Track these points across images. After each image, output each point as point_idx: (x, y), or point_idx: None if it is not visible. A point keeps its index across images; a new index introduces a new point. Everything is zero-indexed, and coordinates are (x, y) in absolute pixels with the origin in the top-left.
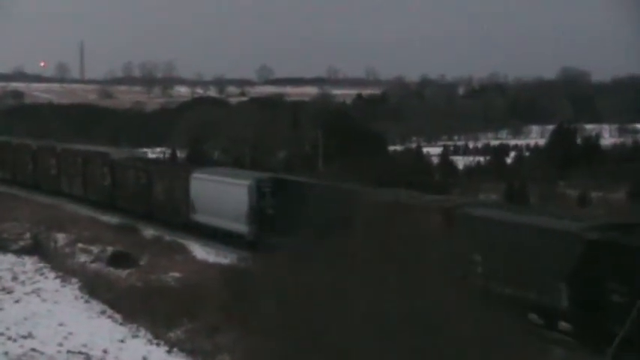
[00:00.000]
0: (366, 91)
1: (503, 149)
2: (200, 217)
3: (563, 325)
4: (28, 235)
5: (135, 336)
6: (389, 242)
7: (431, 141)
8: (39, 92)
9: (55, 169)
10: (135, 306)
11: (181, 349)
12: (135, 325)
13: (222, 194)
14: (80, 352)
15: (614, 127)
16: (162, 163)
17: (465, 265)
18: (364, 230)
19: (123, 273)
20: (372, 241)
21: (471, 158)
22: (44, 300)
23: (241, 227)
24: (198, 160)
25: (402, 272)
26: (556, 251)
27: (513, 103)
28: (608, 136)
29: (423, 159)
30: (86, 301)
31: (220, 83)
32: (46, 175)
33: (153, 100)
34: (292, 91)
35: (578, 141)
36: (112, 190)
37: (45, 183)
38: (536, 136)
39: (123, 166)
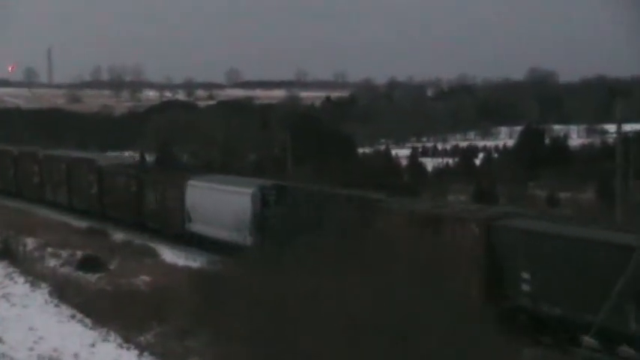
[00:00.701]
0: (335, 94)
1: (472, 151)
2: (196, 227)
3: (626, 350)
4: None
5: (105, 340)
6: (417, 256)
7: (400, 143)
8: (7, 97)
9: (38, 177)
10: (105, 310)
11: (152, 353)
12: (105, 329)
13: (222, 203)
14: (51, 357)
15: (582, 127)
16: (154, 169)
17: (508, 283)
18: (387, 242)
19: (92, 277)
20: (397, 255)
21: (439, 160)
22: (13, 304)
23: (243, 238)
24: (167, 163)
25: (434, 291)
26: (621, 267)
27: (482, 104)
28: (576, 137)
29: (392, 161)
30: (56, 306)
31: (189, 87)
32: (29, 182)
33: (121, 104)
34: (261, 94)
35: (547, 142)
36: (99, 199)
37: (27, 191)
38: (504, 138)
39: (111, 173)
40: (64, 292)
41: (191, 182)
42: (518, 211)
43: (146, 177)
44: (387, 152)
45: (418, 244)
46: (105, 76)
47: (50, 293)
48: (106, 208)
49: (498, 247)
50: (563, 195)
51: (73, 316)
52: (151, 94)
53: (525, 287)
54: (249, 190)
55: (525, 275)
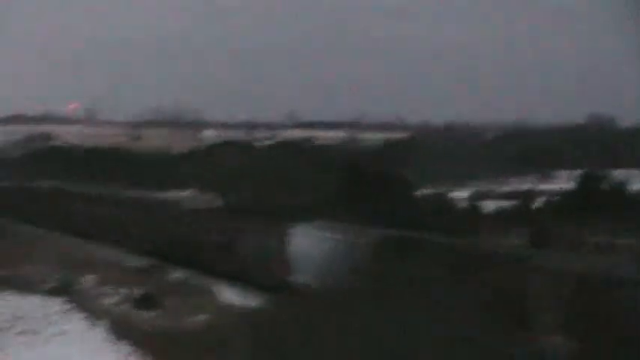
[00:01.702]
0: (394, 136)
1: (531, 194)
2: (302, 280)
3: None
4: (56, 275)
5: None
6: None
7: (458, 185)
8: (67, 135)
9: (115, 221)
10: (161, 348)
11: None
12: None
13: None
14: None
15: None
16: (248, 213)
17: None
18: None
19: (149, 315)
20: None
21: (497, 202)
22: (71, 342)
23: None
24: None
25: None
26: None
27: (542, 148)
28: (638, 182)
29: (450, 203)
30: (113, 344)
31: (249, 127)
32: (104, 226)
33: (181, 143)
34: (320, 135)
35: (606, 187)
36: (184, 245)
37: (102, 235)
38: (563, 181)
39: (199, 217)
40: (120, 330)
41: (294, 230)
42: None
43: (239, 223)
44: (445, 194)
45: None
46: (166, 115)
47: (107, 331)
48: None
49: None
50: (621, 242)
51: (129, 355)
52: (210, 134)
53: None
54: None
55: None
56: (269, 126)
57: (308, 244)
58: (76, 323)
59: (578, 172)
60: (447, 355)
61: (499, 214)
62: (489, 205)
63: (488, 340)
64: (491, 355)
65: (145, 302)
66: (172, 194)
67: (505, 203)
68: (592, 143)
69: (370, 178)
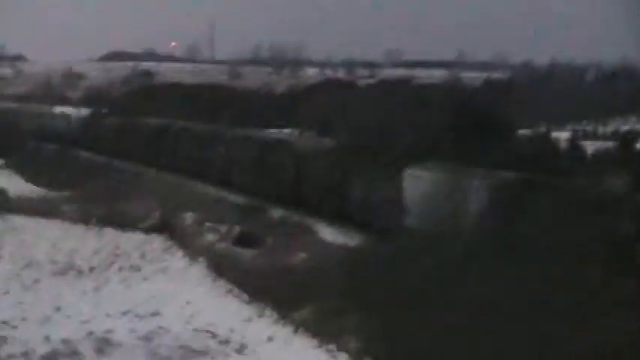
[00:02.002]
0: (495, 75)
1: (633, 135)
2: (416, 224)
3: None
4: (156, 213)
5: (261, 316)
6: None
7: (560, 126)
8: (169, 72)
9: (224, 160)
10: (261, 286)
11: (307, 330)
12: (261, 305)
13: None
14: (206, 331)
15: None
16: (361, 154)
17: None
18: None
19: (249, 253)
20: None
21: (599, 143)
22: (171, 278)
23: None
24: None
25: None
26: None
27: None
28: None
29: (552, 143)
30: (213, 280)
31: (349, 65)
32: (212, 165)
33: (281, 82)
34: (421, 74)
35: None
36: (296, 187)
37: (210, 173)
38: None
39: (310, 159)
40: (221, 267)
41: (410, 171)
42: None
43: (352, 163)
44: (547, 135)
45: None
46: (266, 54)
47: (207, 268)
48: (302, 198)
49: None
50: None
51: (229, 291)
52: (311, 72)
53: None
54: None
55: None
56: (369, 65)
57: (422, 187)
58: (176, 260)
59: None
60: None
61: (601, 155)
62: (591, 146)
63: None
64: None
65: (246, 240)
66: (274, 132)
67: (607, 144)
68: None
69: (473, 118)
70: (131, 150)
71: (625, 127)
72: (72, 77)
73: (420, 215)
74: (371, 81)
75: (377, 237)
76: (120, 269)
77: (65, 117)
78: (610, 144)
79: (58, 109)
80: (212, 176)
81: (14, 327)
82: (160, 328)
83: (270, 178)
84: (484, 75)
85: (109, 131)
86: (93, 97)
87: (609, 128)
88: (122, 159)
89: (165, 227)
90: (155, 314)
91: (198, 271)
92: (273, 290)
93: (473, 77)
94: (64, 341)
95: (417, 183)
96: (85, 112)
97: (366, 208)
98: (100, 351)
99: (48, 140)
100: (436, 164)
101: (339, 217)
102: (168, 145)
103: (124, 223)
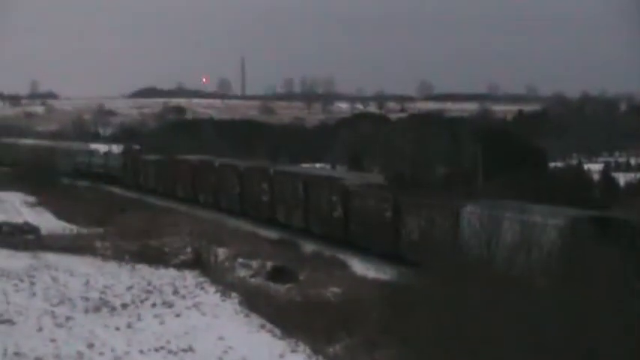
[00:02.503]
0: (526, 108)
1: None
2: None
3: None
4: (188, 249)
5: (294, 351)
6: None
7: (592, 157)
8: (200, 108)
9: (268, 195)
10: (294, 320)
11: None
12: (294, 340)
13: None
14: None
15: None
16: (413, 192)
17: None
18: None
19: (282, 287)
20: None
21: (632, 175)
22: (204, 314)
23: None
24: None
25: None
26: None
27: None
28: None
29: (584, 175)
30: (246, 315)
31: (380, 99)
32: (257, 201)
33: (313, 116)
34: (452, 107)
35: None
36: (345, 224)
37: (255, 210)
38: None
39: (360, 195)
40: (253, 302)
41: (469, 209)
42: None
43: (404, 200)
44: (579, 167)
45: None
46: (297, 88)
47: (240, 303)
48: (352, 236)
49: None
50: None
51: (262, 326)
52: (342, 106)
53: None
54: (561, 223)
55: None
56: (400, 98)
57: (483, 225)
58: (209, 295)
59: None
60: None
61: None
62: (623, 177)
63: None
64: None
65: (279, 274)
66: (317, 168)
67: None
68: None
69: (506, 150)
70: (171, 186)
71: None
72: (103, 114)
73: (482, 254)
74: (403, 115)
75: (411, 272)
76: (153, 305)
77: (98, 154)
78: None
79: (92, 146)
80: (256, 212)
81: None
82: None
83: (318, 215)
84: (515, 108)
85: (148, 167)
86: (125, 134)
87: None
88: (160, 195)
89: (198, 263)
90: (188, 350)
91: (230, 306)
92: (306, 325)
93: (504, 110)
94: None
95: (476, 221)
96: (117, 148)
97: (421, 246)
98: None
99: (81, 177)
100: (493, 202)
101: (390, 257)
102: (210, 181)
103: (157, 258)
